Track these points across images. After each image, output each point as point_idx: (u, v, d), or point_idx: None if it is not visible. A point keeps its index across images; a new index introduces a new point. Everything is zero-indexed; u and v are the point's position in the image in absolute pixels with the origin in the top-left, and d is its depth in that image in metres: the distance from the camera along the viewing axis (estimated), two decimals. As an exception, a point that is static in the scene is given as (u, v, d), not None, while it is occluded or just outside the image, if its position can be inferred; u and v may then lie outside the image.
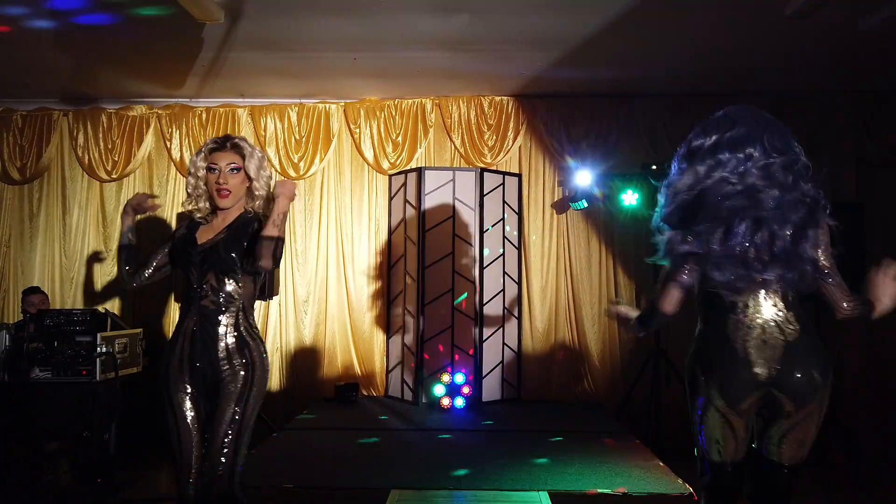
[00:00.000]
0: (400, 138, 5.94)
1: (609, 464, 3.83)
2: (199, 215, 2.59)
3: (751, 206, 2.04)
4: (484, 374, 5.51)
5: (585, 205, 5.67)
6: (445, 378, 5.34)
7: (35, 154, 6.00)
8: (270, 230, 2.39)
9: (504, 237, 5.75)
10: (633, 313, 2.30)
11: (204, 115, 5.99)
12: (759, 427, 2.16)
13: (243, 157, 2.53)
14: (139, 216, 2.72)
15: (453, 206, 5.53)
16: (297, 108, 5.98)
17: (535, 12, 4.27)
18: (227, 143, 2.55)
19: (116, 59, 5.10)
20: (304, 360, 5.86)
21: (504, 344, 5.69)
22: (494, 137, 5.91)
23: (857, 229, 4.75)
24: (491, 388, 5.58)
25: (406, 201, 5.68)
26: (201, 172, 2.53)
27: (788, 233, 2.07)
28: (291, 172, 5.92)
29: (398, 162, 5.92)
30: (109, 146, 5.97)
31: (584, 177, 5.62)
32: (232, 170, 2.50)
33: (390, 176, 5.93)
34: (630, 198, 5.51)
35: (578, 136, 5.84)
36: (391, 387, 5.78)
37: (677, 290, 2.10)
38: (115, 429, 4.27)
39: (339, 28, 4.51)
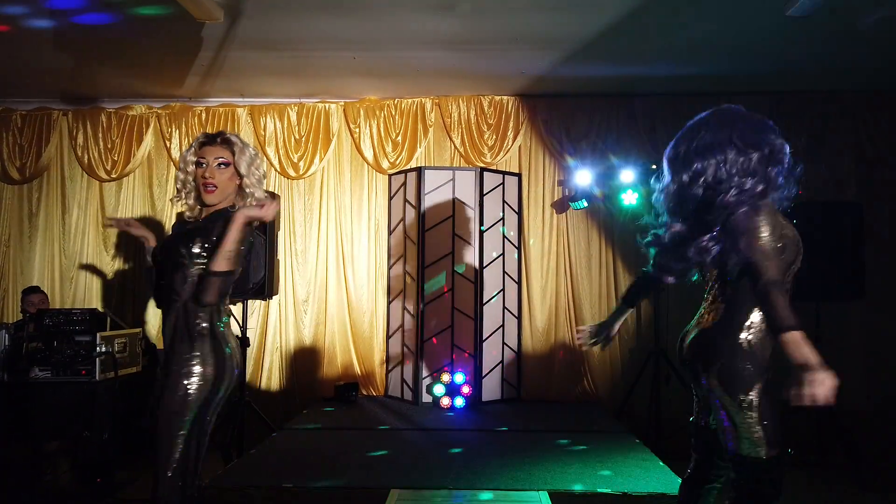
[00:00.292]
0: (400, 138, 5.94)
1: (609, 464, 3.83)
2: (187, 213, 2.50)
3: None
4: (484, 373, 5.51)
5: (585, 204, 5.66)
6: (445, 378, 5.34)
7: (34, 154, 5.99)
8: (220, 265, 2.27)
9: (504, 237, 5.75)
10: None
11: (203, 115, 5.98)
12: None
13: (233, 153, 2.44)
14: (148, 238, 2.60)
15: (453, 206, 5.53)
16: (296, 108, 5.98)
17: (535, 12, 4.27)
18: (217, 138, 2.47)
19: (116, 58, 5.10)
20: (304, 359, 5.86)
21: (504, 344, 5.68)
22: (494, 137, 5.90)
23: (857, 229, 4.76)
24: (491, 388, 5.58)
25: (406, 201, 5.68)
26: (190, 167, 2.45)
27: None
28: (291, 172, 5.92)
29: (398, 161, 5.92)
30: (109, 146, 5.97)
31: (583, 176, 5.63)
32: (220, 164, 2.42)
33: (390, 175, 5.93)
34: (630, 197, 5.51)
35: (578, 135, 5.84)
36: (391, 386, 5.77)
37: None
38: (115, 428, 4.27)
39: (339, 27, 4.51)
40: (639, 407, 5.44)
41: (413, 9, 4.23)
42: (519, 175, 5.92)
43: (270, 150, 5.92)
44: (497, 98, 5.93)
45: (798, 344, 1.95)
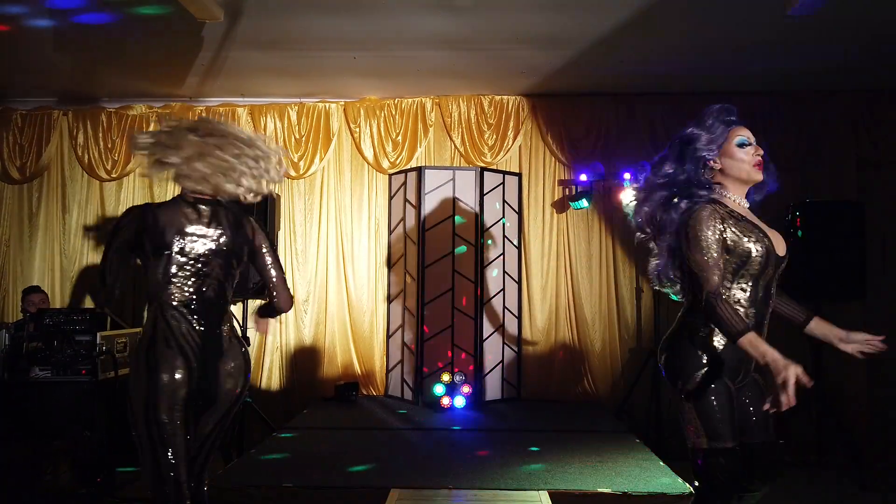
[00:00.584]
0: (400, 137, 5.94)
1: (609, 463, 3.83)
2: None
3: None
4: (484, 373, 5.51)
5: (585, 204, 5.66)
6: (445, 377, 5.34)
7: (35, 153, 5.99)
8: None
9: (504, 236, 5.75)
10: None
11: (204, 115, 5.98)
12: None
13: None
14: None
15: (453, 206, 5.53)
16: (296, 108, 5.98)
17: (536, 12, 4.27)
18: None
19: (116, 58, 5.10)
20: (304, 359, 5.86)
21: (504, 343, 5.69)
22: (494, 137, 5.90)
23: (858, 229, 4.76)
24: (491, 388, 5.58)
25: (406, 201, 5.68)
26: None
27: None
28: (291, 172, 5.92)
29: (398, 161, 5.92)
30: (109, 145, 5.97)
31: (584, 176, 5.63)
32: None
33: (390, 175, 5.93)
34: (630, 197, 5.50)
35: (579, 135, 5.84)
36: (391, 386, 5.77)
37: None
38: (115, 428, 4.26)
39: (339, 27, 4.51)
40: (639, 407, 5.44)
41: (413, 8, 4.23)
42: (519, 175, 5.92)
43: (270, 150, 5.92)
44: (497, 98, 5.92)
45: (752, 345, 2.05)
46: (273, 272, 2.57)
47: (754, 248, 2.20)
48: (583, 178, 5.67)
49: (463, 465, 3.81)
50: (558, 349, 5.82)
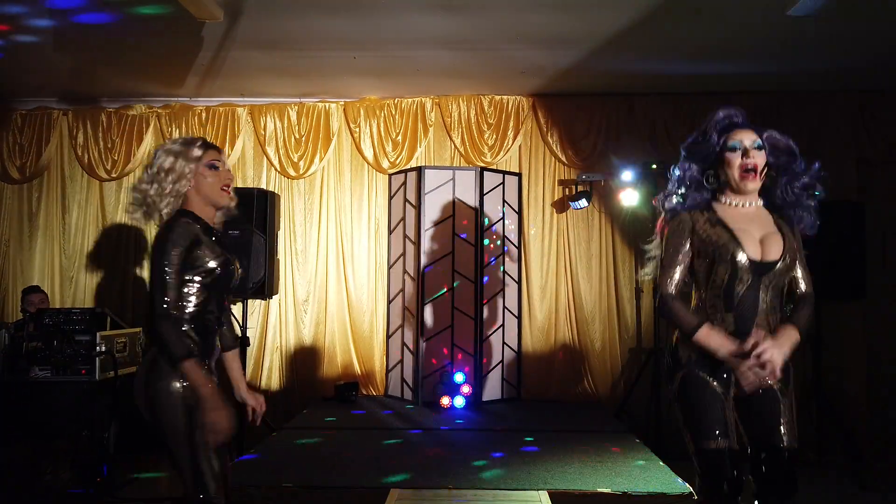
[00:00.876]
0: (400, 137, 5.94)
1: (609, 463, 3.83)
2: (155, 222, 2.26)
3: None
4: (484, 373, 5.51)
5: (585, 204, 5.66)
6: (445, 377, 5.33)
7: (35, 153, 5.99)
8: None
9: (504, 236, 5.74)
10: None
11: (204, 115, 5.98)
12: None
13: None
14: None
15: (453, 206, 5.53)
16: (296, 108, 5.98)
17: (536, 11, 4.26)
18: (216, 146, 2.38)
19: (116, 58, 5.10)
20: (304, 359, 5.85)
21: (504, 343, 5.68)
22: (494, 136, 5.90)
23: (858, 229, 4.75)
24: (491, 388, 5.58)
25: (406, 200, 5.68)
26: (191, 166, 2.24)
27: None
28: (291, 172, 5.92)
29: (398, 161, 5.91)
30: (109, 145, 5.97)
31: (584, 176, 5.63)
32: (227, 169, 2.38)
33: (390, 175, 5.93)
34: (630, 197, 5.51)
35: (578, 135, 5.84)
36: (391, 386, 5.77)
37: None
38: (115, 428, 4.26)
39: (339, 27, 4.50)
40: (639, 407, 5.44)
41: (413, 8, 4.23)
42: (519, 175, 5.92)
43: (270, 150, 5.92)
44: (497, 97, 5.92)
45: (706, 341, 2.18)
46: None
47: (716, 255, 2.26)
48: (583, 178, 5.67)
49: (462, 464, 3.81)
50: (558, 349, 5.82)
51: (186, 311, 2.16)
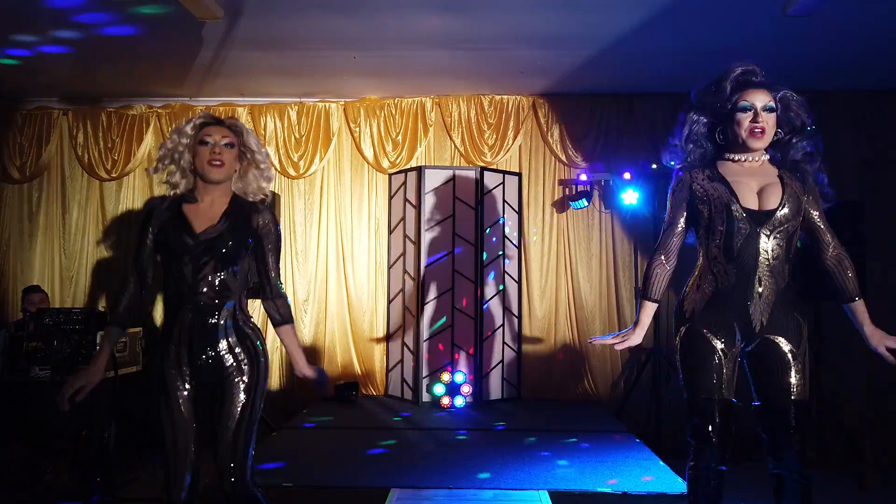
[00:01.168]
0: (400, 137, 5.94)
1: (609, 463, 3.84)
2: (178, 191, 2.40)
3: None
4: (484, 373, 5.51)
5: (585, 204, 5.66)
6: (445, 377, 5.34)
7: (35, 153, 5.99)
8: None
9: (504, 236, 5.75)
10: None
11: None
12: None
13: (240, 134, 2.41)
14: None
15: (453, 205, 5.53)
16: (296, 107, 5.98)
17: (536, 11, 4.27)
18: (222, 120, 2.43)
19: (116, 58, 5.10)
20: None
21: (504, 343, 5.69)
22: (494, 136, 5.90)
23: (857, 229, 4.75)
24: (491, 388, 5.58)
25: (406, 200, 5.68)
26: (185, 141, 2.37)
27: None
28: (291, 171, 5.92)
29: (398, 161, 5.92)
30: (109, 145, 5.97)
31: (584, 176, 5.63)
32: (227, 144, 2.36)
33: (390, 175, 5.93)
34: (630, 197, 5.51)
35: (579, 134, 5.84)
36: (391, 386, 5.77)
37: None
38: (115, 428, 4.26)
39: (339, 27, 4.50)
40: (639, 407, 5.44)
41: (413, 8, 4.23)
42: (519, 174, 5.92)
43: (271, 150, 5.92)
44: (497, 97, 5.92)
45: (641, 310, 2.42)
46: None
47: (713, 208, 2.30)
48: (583, 178, 5.67)
49: (462, 464, 3.81)
50: (558, 349, 5.82)
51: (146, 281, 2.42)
